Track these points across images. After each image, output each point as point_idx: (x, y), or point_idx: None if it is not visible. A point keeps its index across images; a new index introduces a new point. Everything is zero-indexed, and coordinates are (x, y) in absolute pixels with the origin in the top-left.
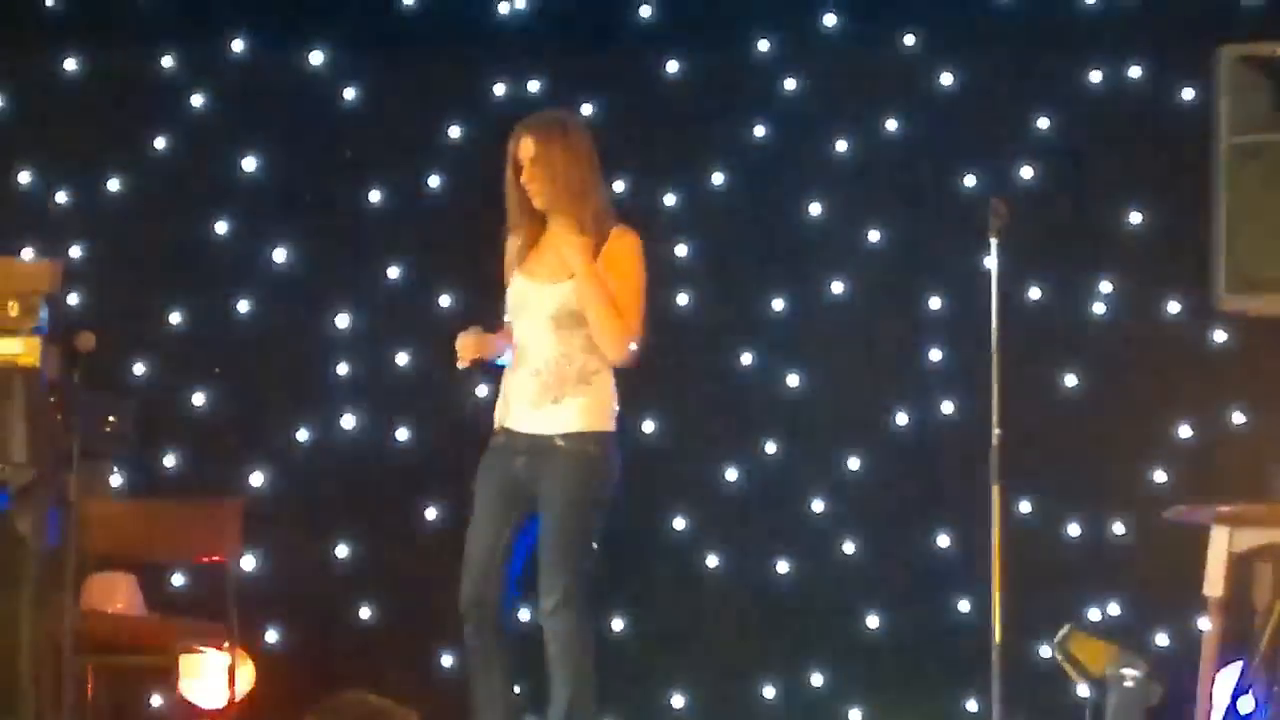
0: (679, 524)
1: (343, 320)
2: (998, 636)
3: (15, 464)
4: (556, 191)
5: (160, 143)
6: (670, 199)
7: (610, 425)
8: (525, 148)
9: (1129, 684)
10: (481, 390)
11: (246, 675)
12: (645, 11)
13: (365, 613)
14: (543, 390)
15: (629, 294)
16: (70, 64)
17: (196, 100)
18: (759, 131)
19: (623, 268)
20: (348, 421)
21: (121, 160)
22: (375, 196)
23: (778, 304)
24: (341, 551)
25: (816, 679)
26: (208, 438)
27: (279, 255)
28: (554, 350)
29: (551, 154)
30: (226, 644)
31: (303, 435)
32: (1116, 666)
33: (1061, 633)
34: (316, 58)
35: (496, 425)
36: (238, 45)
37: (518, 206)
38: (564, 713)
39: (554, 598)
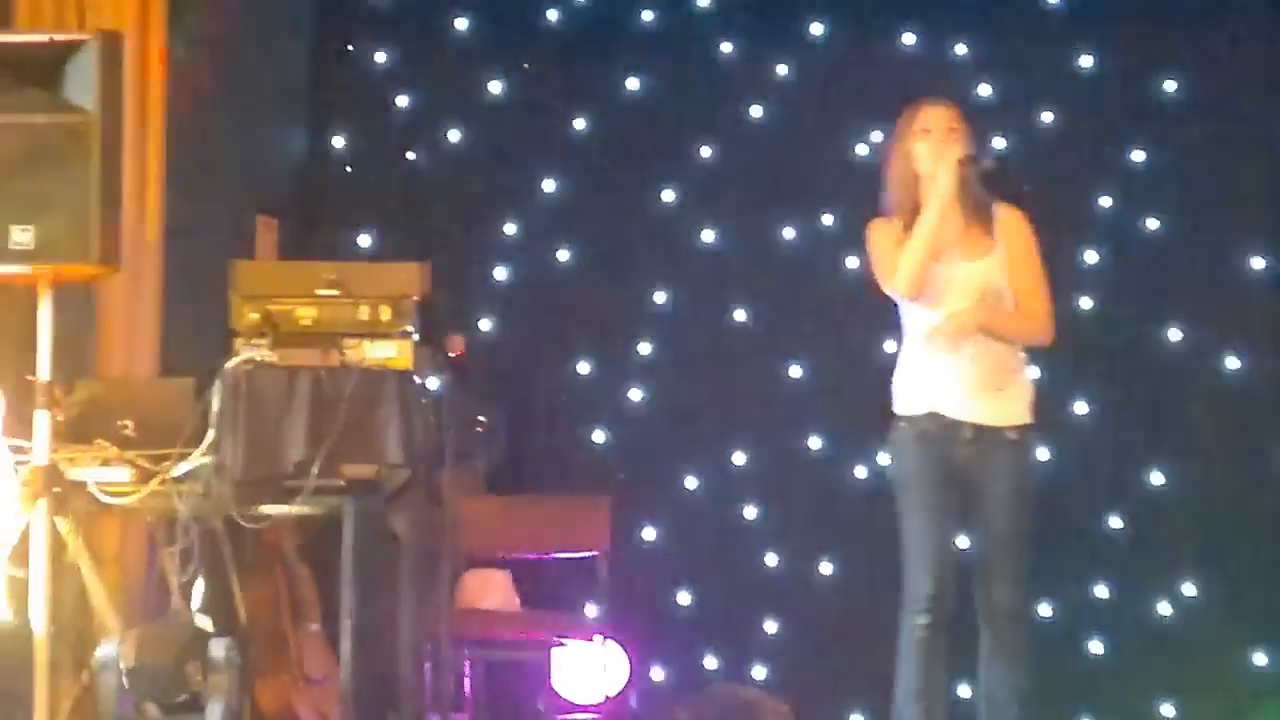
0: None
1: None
2: None
3: (390, 465)
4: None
5: (511, 228)
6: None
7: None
8: (948, 116)
9: None
10: None
11: (620, 668)
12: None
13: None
14: (986, 377)
15: (1036, 271)
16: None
17: (580, 124)
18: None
19: (1024, 246)
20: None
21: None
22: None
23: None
24: (707, 543)
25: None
26: (577, 434)
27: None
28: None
29: (966, 126)
30: (599, 638)
31: None
32: None
33: None
34: (726, 47)
35: (917, 409)
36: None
37: (908, 180)
38: (1019, 709)
39: (1015, 592)
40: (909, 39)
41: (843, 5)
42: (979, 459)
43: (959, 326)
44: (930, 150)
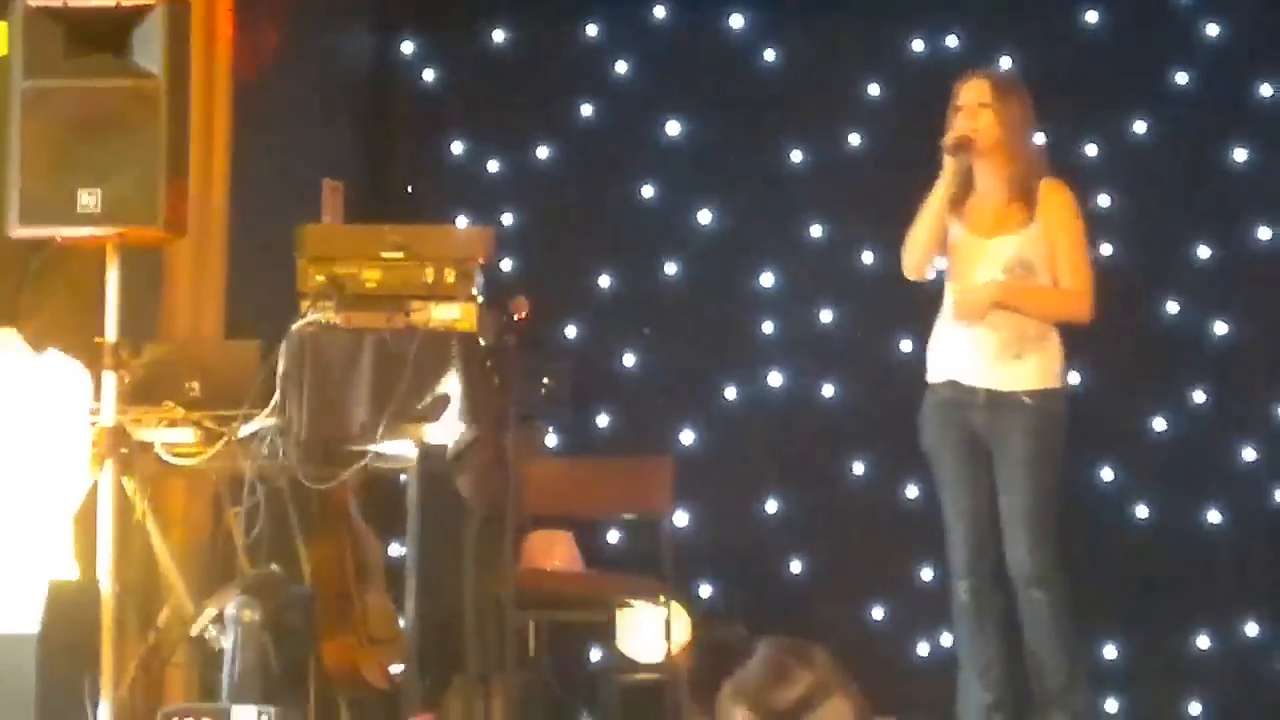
0: (1107, 475)
1: (767, 279)
2: None
3: (455, 426)
4: (1002, 136)
5: (586, 109)
6: (1091, 149)
7: (1064, 382)
8: (980, 90)
9: None
10: None
11: (682, 629)
12: None
13: (796, 566)
14: (1004, 345)
15: (1073, 249)
16: (498, 35)
17: (620, 66)
18: (1180, 78)
19: (1063, 223)
20: (774, 379)
21: (550, 128)
22: (796, 156)
23: (1202, 252)
24: (771, 506)
25: (1251, 629)
26: (638, 397)
27: (703, 217)
28: None
29: (1004, 101)
30: (662, 598)
31: (731, 393)
32: None
33: None
34: (736, 21)
35: (939, 378)
36: (659, 11)
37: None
38: (1064, 683)
39: (1037, 556)
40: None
41: None
42: (993, 424)
43: (971, 306)
44: (953, 126)
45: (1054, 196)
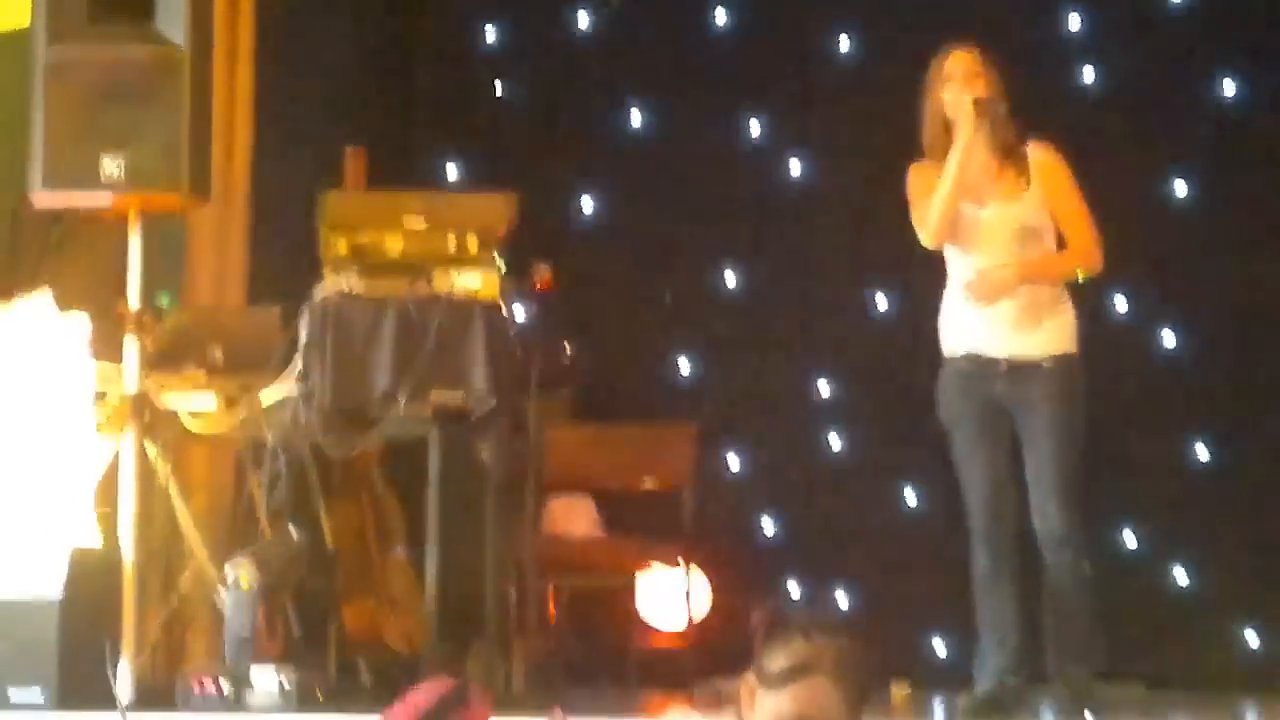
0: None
1: (787, 253)
2: None
3: (476, 393)
4: (994, 96)
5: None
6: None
7: (1079, 346)
8: (971, 60)
9: None
10: None
11: (704, 595)
12: None
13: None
14: (1023, 312)
15: (1078, 207)
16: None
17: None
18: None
19: (1061, 183)
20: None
21: (571, 96)
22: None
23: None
24: (791, 473)
25: None
26: (658, 364)
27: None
28: None
29: (990, 69)
30: (683, 565)
31: (754, 363)
32: None
33: None
34: None
35: (957, 351)
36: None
37: (939, 126)
38: (1086, 639)
39: (1063, 517)
40: None
41: None
42: (1016, 391)
43: (994, 287)
44: (952, 97)
45: (1046, 158)
